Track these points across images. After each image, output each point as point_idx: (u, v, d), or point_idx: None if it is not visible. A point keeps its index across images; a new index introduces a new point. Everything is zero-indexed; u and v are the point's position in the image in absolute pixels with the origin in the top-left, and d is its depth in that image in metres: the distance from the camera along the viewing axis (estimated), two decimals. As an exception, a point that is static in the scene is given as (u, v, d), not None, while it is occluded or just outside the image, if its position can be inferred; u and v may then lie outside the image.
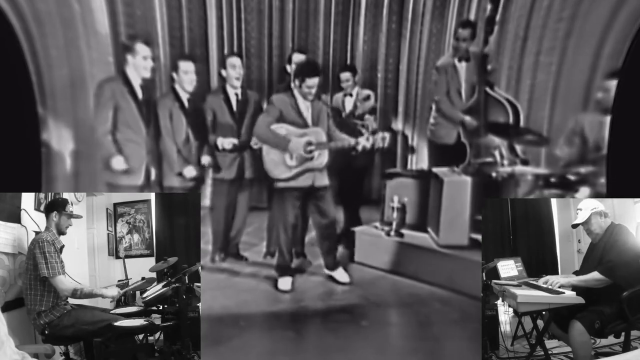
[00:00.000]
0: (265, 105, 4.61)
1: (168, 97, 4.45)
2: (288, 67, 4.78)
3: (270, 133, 4.28)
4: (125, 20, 4.52)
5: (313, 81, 4.27)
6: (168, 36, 4.79)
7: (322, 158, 4.33)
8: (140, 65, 4.28)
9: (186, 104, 4.47)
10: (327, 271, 4.56)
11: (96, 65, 4.38)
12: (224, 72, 4.59)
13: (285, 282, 4.43)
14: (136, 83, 4.31)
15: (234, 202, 4.70)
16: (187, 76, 4.42)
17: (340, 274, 4.55)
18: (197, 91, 4.54)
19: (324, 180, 4.38)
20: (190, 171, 4.45)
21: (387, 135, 4.38)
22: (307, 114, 4.34)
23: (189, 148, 4.49)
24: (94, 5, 4.37)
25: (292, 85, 4.37)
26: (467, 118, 4.80)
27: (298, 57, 4.77)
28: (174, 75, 4.43)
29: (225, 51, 5.06)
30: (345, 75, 4.94)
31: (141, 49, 4.30)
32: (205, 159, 4.54)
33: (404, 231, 4.86)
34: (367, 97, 4.95)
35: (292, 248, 4.53)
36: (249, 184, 4.73)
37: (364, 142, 4.32)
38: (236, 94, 4.60)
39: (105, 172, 4.30)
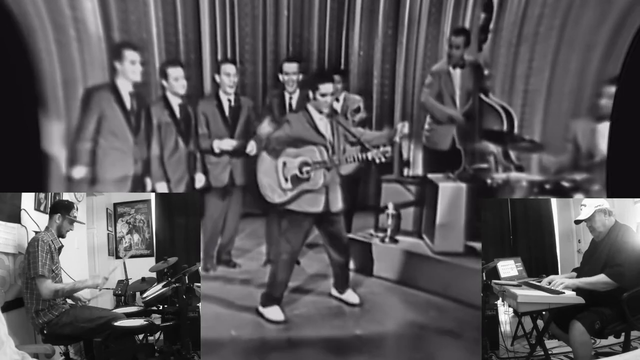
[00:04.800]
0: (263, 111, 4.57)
1: (158, 104, 4.37)
2: (280, 77, 4.67)
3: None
4: (120, 25, 4.47)
5: (327, 88, 3.97)
6: (164, 42, 4.75)
7: (318, 178, 4.00)
8: (128, 69, 4.19)
9: (177, 110, 4.40)
10: (336, 293, 4.35)
11: (89, 69, 4.33)
12: (217, 78, 4.54)
13: (275, 312, 4.08)
14: (125, 90, 4.22)
15: (225, 209, 4.63)
16: (177, 82, 4.34)
17: (349, 296, 4.32)
18: (189, 97, 4.47)
19: (338, 204, 4.09)
20: (162, 187, 4.37)
21: (389, 149, 4.11)
22: (326, 131, 4.04)
23: (178, 156, 4.42)
24: (86, 10, 4.32)
25: (307, 102, 4.10)
26: (454, 112, 4.77)
27: (289, 66, 4.65)
28: (164, 82, 4.34)
29: (219, 56, 5.01)
30: (336, 78, 4.78)
31: (129, 54, 4.20)
32: (199, 178, 4.49)
33: (398, 237, 4.80)
34: (358, 109, 4.85)
35: (288, 281, 4.18)
36: (241, 191, 4.65)
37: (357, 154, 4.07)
38: (229, 100, 4.55)
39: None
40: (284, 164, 3.98)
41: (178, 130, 4.40)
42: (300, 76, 4.66)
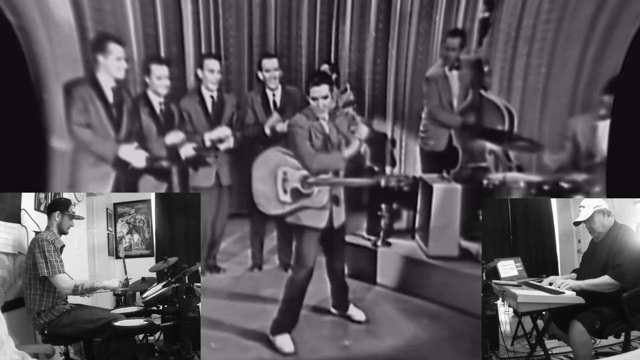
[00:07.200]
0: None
1: (139, 102, 4.26)
2: (260, 74, 4.53)
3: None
4: (93, 14, 4.20)
5: (319, 91, 3.75)
6: (142, 33, 4.47)
7: (322, 197, 3.79)
8: (112, 65, 4.06)
9: (157, 109, 4.30)
10: (336, 312, 4.13)
11: (60, 62, 4.08)
12: (200, 74, 4.39)
13: (285, 342, 3.80)
14: (107, 85, 4.10)
15: (214, 211, 4.49)
16: (160, 81, 4.24)
17: (354, 313, 4.10)
18: (172, 93, 4.33)
19: (341, 218, 3.91)
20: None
21: (408, 177, 4.08)
22: (333, 135, 3.87)
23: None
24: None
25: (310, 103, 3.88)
26: (463, 119, 4.71)
27: (269, 62, 4.52)
28: (146, 79, 4.24)
29: (203, 50, 4.83)
30: (325, 66, 4.70)
31: (115, 49, 4.08)
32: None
33: (391, 240, 4.70)
34: (345, 90, 4.65)
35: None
36: (227, 192, 4.52)
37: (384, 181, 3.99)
38: (212, 97, 4.41)
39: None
40: (285, 174, 3.78)
41: (158, 131, 4.29)
42: (281, 72, 4.55)
